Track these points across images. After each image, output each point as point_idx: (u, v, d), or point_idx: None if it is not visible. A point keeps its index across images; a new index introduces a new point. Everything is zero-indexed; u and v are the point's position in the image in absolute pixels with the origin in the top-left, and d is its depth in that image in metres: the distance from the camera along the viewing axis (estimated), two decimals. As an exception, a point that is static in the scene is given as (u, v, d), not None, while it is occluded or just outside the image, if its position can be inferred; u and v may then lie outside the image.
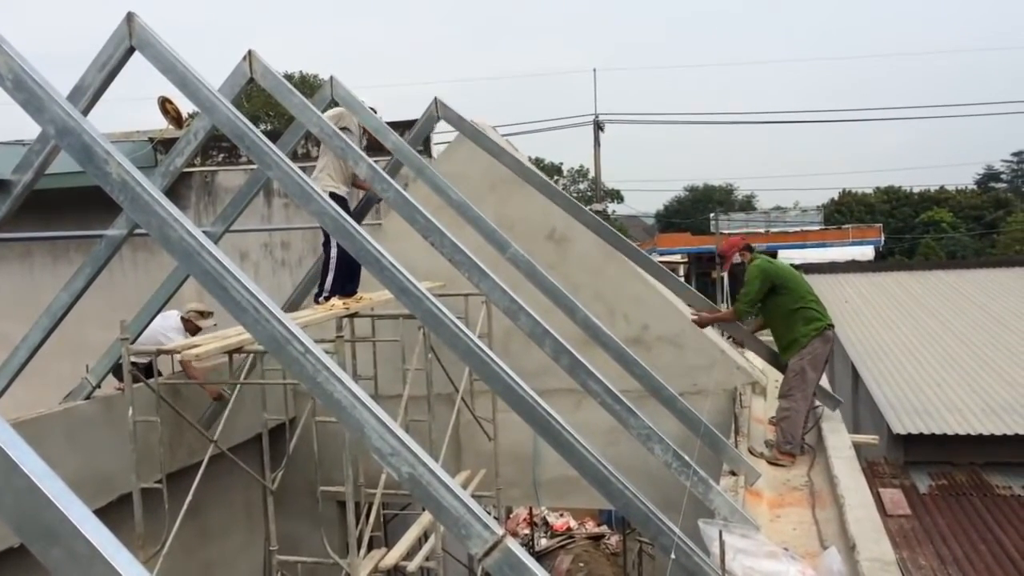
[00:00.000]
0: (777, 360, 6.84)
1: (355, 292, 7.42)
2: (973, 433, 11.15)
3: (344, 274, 7.39)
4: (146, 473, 5.95)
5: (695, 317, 7.29)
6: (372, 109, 7.44)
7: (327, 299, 7.22)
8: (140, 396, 6.01)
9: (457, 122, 7.70)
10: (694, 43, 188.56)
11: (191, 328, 7.74)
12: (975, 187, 61.08)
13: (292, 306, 7.86)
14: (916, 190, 58.04)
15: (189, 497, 6.08)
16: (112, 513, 5.90)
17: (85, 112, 4.92)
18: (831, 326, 6.43)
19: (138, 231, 6.05)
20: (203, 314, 7.87)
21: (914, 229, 51.19)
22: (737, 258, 6.83)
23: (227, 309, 2.62)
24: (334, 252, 7.34)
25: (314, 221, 6.68)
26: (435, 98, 7.53)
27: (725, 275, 35.62)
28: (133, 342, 6.39)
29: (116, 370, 6.65)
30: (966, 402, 12.08)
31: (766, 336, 7.04)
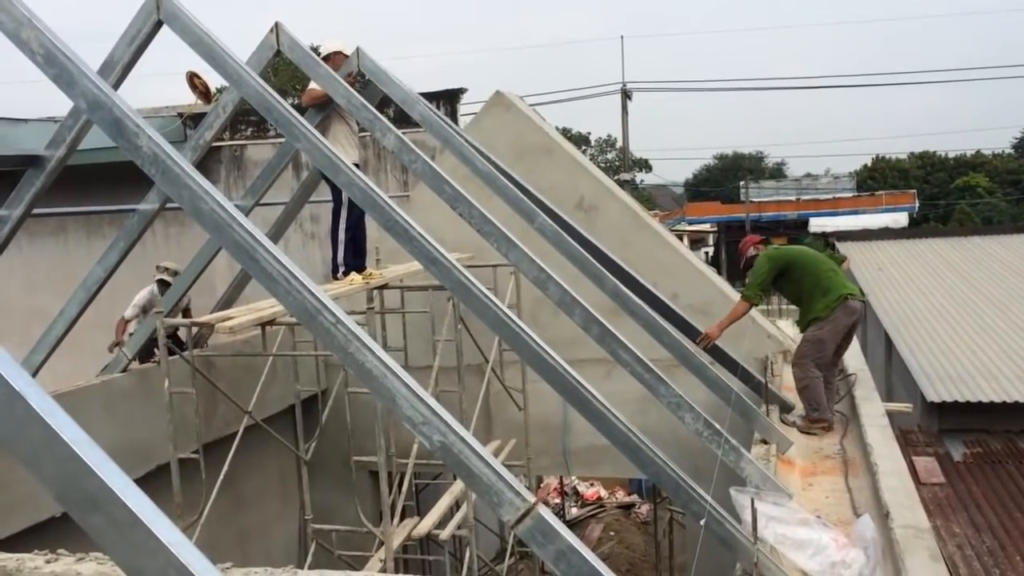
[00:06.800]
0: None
1: (363, 268, 7.40)
2: (1009, 400, 10.99)
3: (350, 249, 7.39)
4: (182, 444, 6.05)
5: (704, 339, 6.61)
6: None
7: (345, 273, 7.23)
8: (175, 368, 6.09)
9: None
10: (719, 10, 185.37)
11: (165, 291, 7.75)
12: (1012, 151, 59.79)
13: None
14: (951, 155, 57.01)
15: (225, 467, 6.17)
16: (149, 483, 6.00)
17: (115, 86, 4.96)
18: (852, 295, 6.13)
19: (170, 205, 6.11)
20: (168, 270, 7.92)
21: (949, 195, 50.29)
22: (752, 251, 6.68)
23: (259, 280, 2.64)
24: (343, 225, 7.31)
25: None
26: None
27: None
28: (168, 315, 6.47)
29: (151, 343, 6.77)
30: (1001, 369, 11.91)
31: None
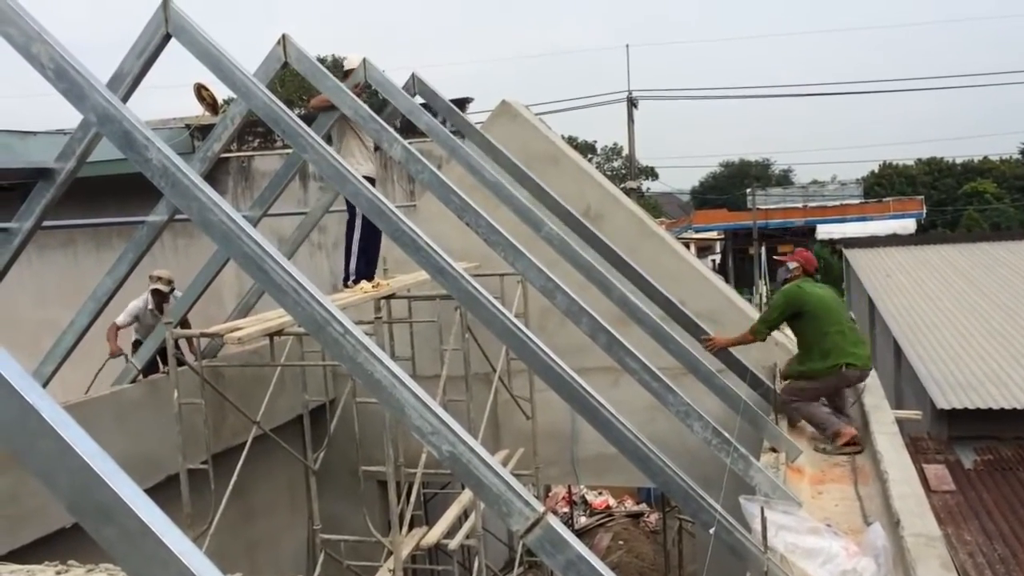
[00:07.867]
0: None
1: (371, 278, 7.44)
2: (1019, 407, 10.91)
3: (363, 259, 7.44)
4: (192, 454, 6.06)
5: (708, 342, 6.72)
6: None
7: (355, 282, 7.27)
8: (184, 379, 6.11)
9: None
10: (725, 16, 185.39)
11: (159, 300, 7.81)
12: (1019, 156, 59.59)
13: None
14: (959, 161, 56.90)
15: (234, 477, 6.18)
16: (159, 494, 6.01)
17: (124, 99, 4.99)
18: (851, 364, 6.02)
19: (179, 216, 6.14)
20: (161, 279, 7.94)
21: (957, 201, 50.15)
22: (792, 265, 6.51)
23: (267, 291, 2.65)
24: (357, 235, 7.37)
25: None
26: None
27: (763, 255, 35.07)
28: (176, 326, 6.49)
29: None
30: (1011, 375, 11.84)
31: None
